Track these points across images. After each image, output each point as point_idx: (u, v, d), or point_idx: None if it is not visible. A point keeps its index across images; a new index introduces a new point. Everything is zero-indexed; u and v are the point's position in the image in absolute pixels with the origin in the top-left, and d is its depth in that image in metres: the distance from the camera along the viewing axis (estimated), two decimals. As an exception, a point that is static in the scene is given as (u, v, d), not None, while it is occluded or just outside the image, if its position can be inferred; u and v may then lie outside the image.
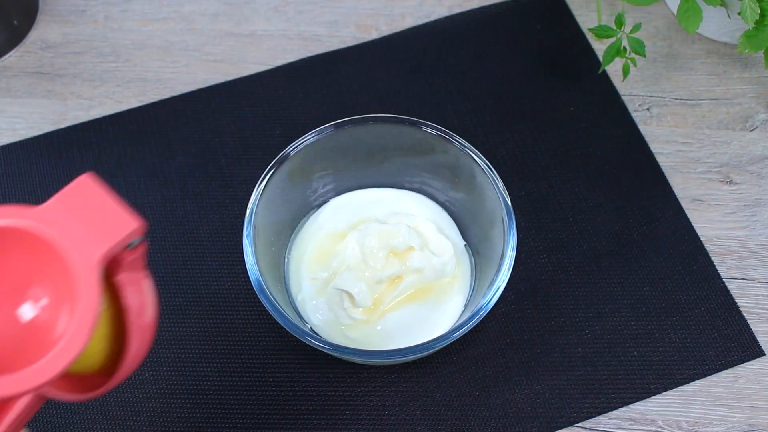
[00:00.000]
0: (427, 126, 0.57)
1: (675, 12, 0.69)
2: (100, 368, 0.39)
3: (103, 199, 0.35)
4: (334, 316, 0.57)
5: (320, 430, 0.57)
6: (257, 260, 0.53)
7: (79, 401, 0.38)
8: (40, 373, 0.32)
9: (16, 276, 0.35)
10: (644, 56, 0.63)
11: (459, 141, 0.56)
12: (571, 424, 0.57)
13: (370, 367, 0.58)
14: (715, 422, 0.57)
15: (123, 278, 0.36)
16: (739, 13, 0.60)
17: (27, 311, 0.35)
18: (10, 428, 0.36)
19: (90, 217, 0.34)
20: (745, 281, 0.61)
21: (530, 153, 0.66)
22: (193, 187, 0.65)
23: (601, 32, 0.63)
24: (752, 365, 0.58)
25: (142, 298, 0.37)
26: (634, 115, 0.67)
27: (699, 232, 0.63)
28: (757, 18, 0.59)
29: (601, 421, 0.57)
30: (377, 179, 0.62)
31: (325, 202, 0.61)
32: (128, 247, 0.36)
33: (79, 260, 0.33)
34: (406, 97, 0.68)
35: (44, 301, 0.35)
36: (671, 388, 0.58)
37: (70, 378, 0.39)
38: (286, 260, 0.59)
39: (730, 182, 0.65)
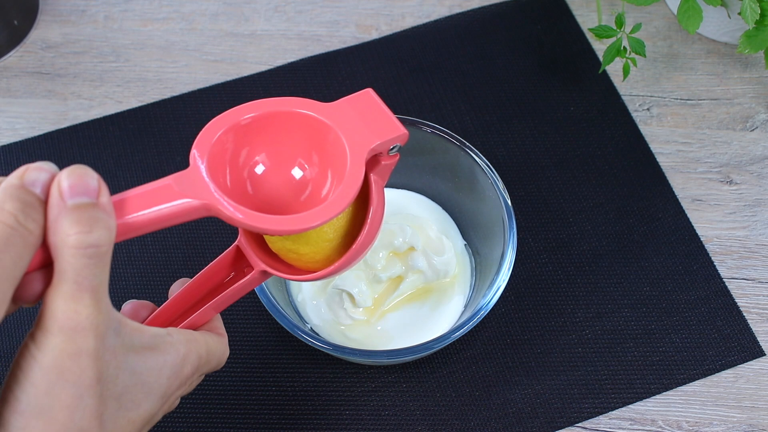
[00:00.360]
0: (427, 126, 0.57)
1: (675, 12, 0.69)
2: (321, 258, 0.44)
3: (380, 108, 0.42)
4: (334, 316, 0.57)
5: (320, 430, 0.57)
6: (257, 260, 0.53)
7: (292, 280, 0.45)
8: (305, 220, 0.39)
9: (299, 148, 0.42)
10: (644, 56, 0.63)
11: (459, 141, 0.56)
12: (571, 424, 0.57)
13: (370, 367, 0.58)
14: (715, 422, 0.57)
15: (374, 178, 0.43)
16: (739, 13, 0.60)
17: (300, 173, 0.43)
18: (233, 294, 0.45)
19: (368, 117, 0.42)
20: (745, 281, 0.61)
21: (530, 153, 0.66)
22: (193, 187, 0.65)
23: (601, 32, 0.63)
24: (752, 365, 0.59)
25: (381, 201, 0.43)
26: (634, 115, 0.67)
27: (699, 232, 0.63)
28: (757, 18, 0.59)
29: (601, 421, 0.57)
30: (377, 179, 0.61)
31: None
32: (390, 150, 0.42)
33: (353, 145, 0.41)
34: (406, 97, 0.68)
35: (315, 170, 0.43)
36: (671, 388, 0.58)
37: (292, 267, 0.45)
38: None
39: (730, 182, 0.65)
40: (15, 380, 0.35)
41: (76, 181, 0.35)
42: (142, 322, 0.45)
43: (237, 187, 0.41)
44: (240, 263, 0.46)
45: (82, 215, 0.34)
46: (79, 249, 0.34)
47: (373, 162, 0.43)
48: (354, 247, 0.43)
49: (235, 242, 0.45)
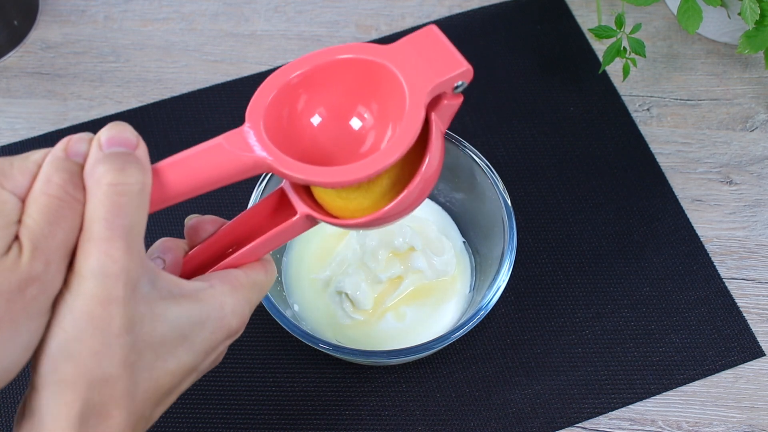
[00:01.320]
0: (427, 126, 0.57)
1: (675, 12, 0.69)
2: (369, 205, 0.41)
3: (443, 44, 0.39)
4: (334, 316, 0.57)
5: (320, 430, 0.57)
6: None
7: (337, 226, 0.42)
8: (356, 170, 0.37)
9: (357, 97, 0.40)
10: (644, 56, 0.63)
11: (459, 141, 0.56)
12: (571, 424, 0.57)
13: (370, 367, 0.58)
14: (715, 422, 0.57)
15: (435, 120, 0.40)
16: (739, 14, 0.60)
17: (358, 123, 0.41)
18: (275, 238, 0.42)
19: (429, 55, 0.39)
20: (745, 281, 0.61)
21: (530, 153, 0.66)
22: (193, 187, 0.65)
23: (601, 32, 0.63)
24: (752, 365, 0.59)
25: (440, 146, 0.40)
26: (634, 115, 0.67)
27: (699, 232, 0.63)
28: (757, 18, 0.59)
29: (601, 421, 0.57)
30: (377, 179, 0.61)
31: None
32: (454, 89, 0.39)
33: (412, 85, 0.38)
34: (406, 97, 0.68)
35: (375, 118, 0.40)
36: (671, 388, 0.58)
37: (336, 218, 0.42)
38: (284, 261, 0.59)
39: (730, 182, 0.65)
40: (47, 324, 0.35)
41: (114, 134, 0.35)
42: (180, 262, 0.43)
43: (293, 143, 0.40)
44: (282, 209, 0.43)
45: (117, 158, 0.35)
46: (111, 185, 0.34)
47: (435, 103, 0.40)
48: (404, 194, 0.40)
49: (279, 185, 0.43)
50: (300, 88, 0.40)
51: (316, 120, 0.41)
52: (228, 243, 0.43)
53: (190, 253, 0.43)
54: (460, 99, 0.40)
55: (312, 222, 0.42)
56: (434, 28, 0.40)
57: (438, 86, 0.38)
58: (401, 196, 0.40)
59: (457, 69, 0.39)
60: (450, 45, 0.39)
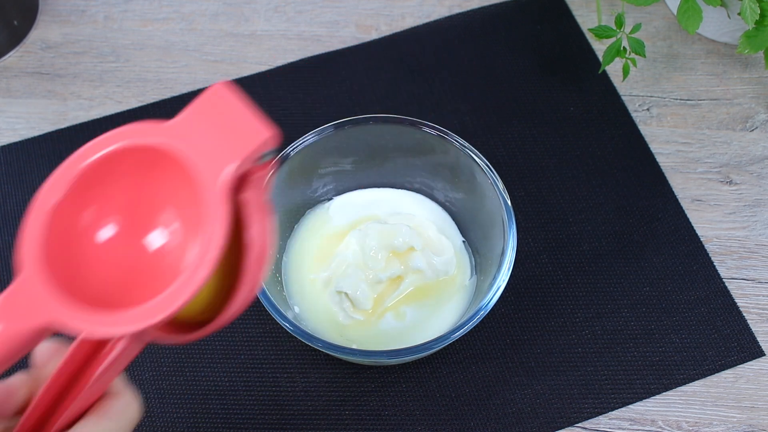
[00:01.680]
0: (427, 126, 0.57)
1: (675, 12, 0.69)
2: (202, 310, 0.35)
3: (236, 107, 0.32)
4: (333, 316, 0.57)
5: (320, 430, 0.57)
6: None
7: (178, 344, 0.35)
8: (147, 314, 0.30)
9: (143, 200, 0.33)
10: (644, 56, 0.63)
11: (459, 141, 0.56)
12: (571, 424, 0.57)
13: (370, 367, 0.58)
14: (715, 422, 0.57)
15: (248, 197, 0.33)
16: (739, 14, 0.60)
17: (154, 241, 0.33)
18: (108, 371, 0.34)
19: (221, 127, 0.32)
20: (745, 281, 0.61)
21: (530, 153, 0.66)
22: (193, 187, 0.65)
23: (601, 32, 0.63)
24: (752, 365, 0.58)
25: (263, 224, 0.33)
26: (634, 115, 0.67)
27: (699, 232, 0.63)
28: (757, 18, 0.59)
29: (601, 421, 0.57)
30: (377, 179, 0.62)
31: (325, 202, 0.61)
32: (260, 160, 0.33)
33: (208, 177, 0.31)
34: (406, 97, 0.68)
35: (173, 229, 0.33)
36: (671, 388, 0.58)
37: (171, 322, 0.35)
38: (284, 262, 0.59)
39: (730, 182, 0.65)
40: None
41: None
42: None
43: (84, 278, 0.33)
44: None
45: None
46: None
47: (243, 179, 0.33)
48: (237, 297, 0.33)
49: None
50: (75, 205, 0.32)
51: (103, 243, 0.33)
52: (55, 396, 0.36)
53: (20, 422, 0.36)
54: (270, 166, 0.34)
55: (147, 338, 0.34)
56: (221, 88, 0.33)
57: (237, 169, 0.31)
58: (236, 299, 0.33)
59: (257, 140, 0.32)
60: (244, 107, 0.32)
